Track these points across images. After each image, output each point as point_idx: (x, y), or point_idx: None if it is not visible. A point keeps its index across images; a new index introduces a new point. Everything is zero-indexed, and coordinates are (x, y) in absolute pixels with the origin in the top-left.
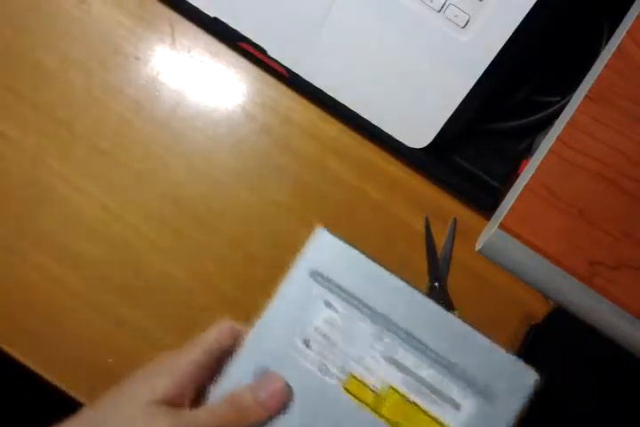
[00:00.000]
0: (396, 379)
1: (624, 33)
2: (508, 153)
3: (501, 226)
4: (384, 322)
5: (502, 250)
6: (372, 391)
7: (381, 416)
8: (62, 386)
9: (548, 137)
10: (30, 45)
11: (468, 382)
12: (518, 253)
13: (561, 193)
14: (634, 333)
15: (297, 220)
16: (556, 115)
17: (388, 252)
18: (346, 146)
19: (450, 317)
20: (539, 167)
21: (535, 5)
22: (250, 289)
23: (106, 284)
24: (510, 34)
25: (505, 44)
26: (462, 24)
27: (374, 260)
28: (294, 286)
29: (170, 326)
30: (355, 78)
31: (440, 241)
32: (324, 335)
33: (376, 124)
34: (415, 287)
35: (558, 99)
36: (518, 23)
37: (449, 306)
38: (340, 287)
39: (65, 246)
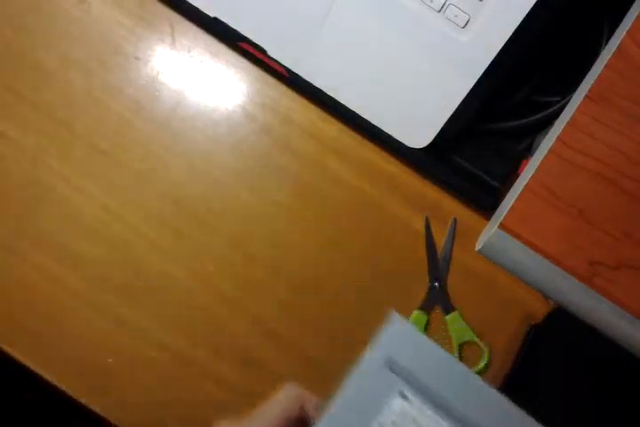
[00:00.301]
0: None
1: (624, 33)
2: (508, 153)
3: (501, 226)
4: (458, 420)
5: (502, 250)
6: None
7: None
8: (62, 386)
9: (548, 137)
10: (30, 45)
11: None
12: (518, 253)
13: (561, 193)
14: (634, 333)
15: (297, 220)
16: (556, 115)
17: (387, 252)
18: (346, 146)
19: (525, 417)
20: (539, 167)
21: (535, 5)
22: (250, 289)
23: (106, 284)
24: (510, 34)
25: (505, 44)
26: (462, 24)
27: (450, 354)
28: (368, 374)
29: (170, 326)
30: (355, 78)
31: (440, 241)
32: (397, 425)
33: (376, 124)
34: (491, 386)
35: (558, 99)
36: (518, 23)
37: (449, 306)
38: (415, 378)
39: (65, 246)
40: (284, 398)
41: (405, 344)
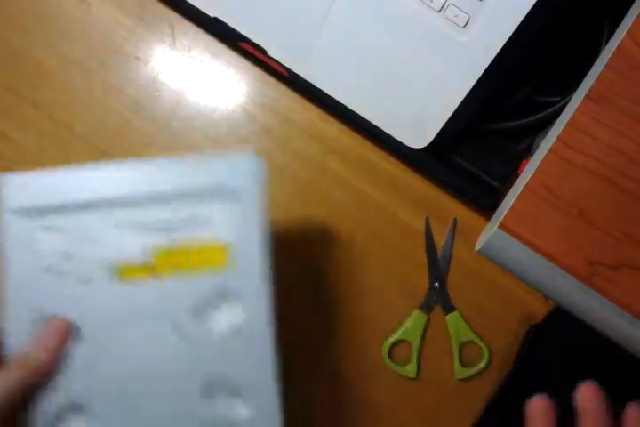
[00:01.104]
0: (149, 239)
1: (624, 33)
2: (508, 153)
3: (501, 226)
4: (99, 206)
5: (502, 250)
6: (141, 264)
7: (163, 274)
8: None
9: (547, 137)
10: (30, 45)
11: (205, 199)
12: (518, 253)
13: (561, 193)
14: (634, 333)
15: (297, 220)
16: (556, 115)
17: (387, 251)
18: (346, 146)
19: (142, 162)
20: (539, 167)
21: (535, 5)
22: None
23: None
24: (510, 34)
25: (505, 44)
26: (462, 24)
27: (52, 169)
28: (12, 231)
29: None
30: (355, 78)
31: (440, 241)
32: (64, 253)
33: (376, 124)
34: (95, 166)
35: (558, 99)
36: (518, 23)
37: (449, 306)
38: (44, 209)
39: None
40: None
41: (20, 190)
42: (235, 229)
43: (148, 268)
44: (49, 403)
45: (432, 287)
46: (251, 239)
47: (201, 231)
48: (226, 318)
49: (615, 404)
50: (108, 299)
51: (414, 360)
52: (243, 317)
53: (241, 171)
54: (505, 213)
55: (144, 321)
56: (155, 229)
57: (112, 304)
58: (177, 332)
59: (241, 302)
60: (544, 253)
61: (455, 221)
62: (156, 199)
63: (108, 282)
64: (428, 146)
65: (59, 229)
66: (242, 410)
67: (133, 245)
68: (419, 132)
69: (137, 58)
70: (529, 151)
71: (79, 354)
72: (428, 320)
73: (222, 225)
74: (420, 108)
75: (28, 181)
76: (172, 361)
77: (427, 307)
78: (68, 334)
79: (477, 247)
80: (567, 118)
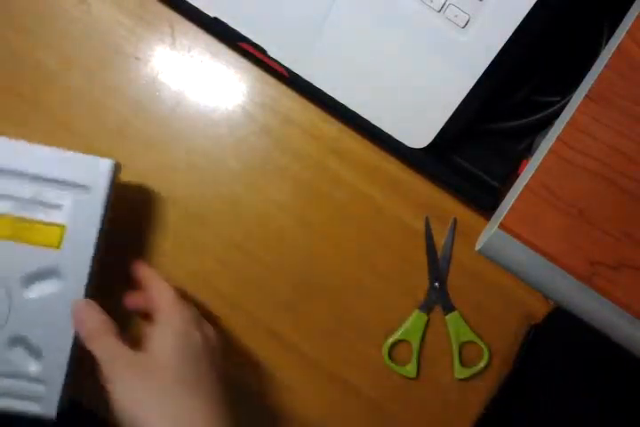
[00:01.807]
0: (3, 207)
1: (624, 33)
2: (508, 153)
3: (501, 226)
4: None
5: (502, 250)
6: None
7: (2, 238)
8: None
9: (547, 137)
10: (30, 46)
11: (62, 187)
12: (518, 253)
13: (561, 193)
14: (634, 333)
15: (297, 220)
16: (556, 115)
17: (387, 252)
18: (346, 146)
19: (21, 144)
20: (539, 167)
21: (535, 5)
22: (249, 289)
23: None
24: (510, 34)
25: (505, 44)
26: (462, 24)
27: None
28: None
29: None
30: (355, 78)
31: (440, 241)
32: None
33: (376, 124)
34: None
35: (558, 99)
36: (518, 23)
37: (449, 306)
38: None
39: None
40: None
41: None
42: (75, 217)
43: None
44: None
45: (432, 287)
46: (86, 228)
47: (46, 213)
48: (45, 291)
49: (615, 404)
50: None
51: (414, 360)
52: (59, 292)
53: (95, 171)
54: (505, 213)
55: None
56: (8, 200)
57: None
58: (3, 291)
59: (62, 280)
60: (544, 253)
61: (455, 221)
62: (21, 177)
63: None
64: (428, 146)
65: None
66: (33, 367)
67: None
68: (419, 132)
69: (137, 58)
70: (529, 151)
71: None
72: (428, 320)
73: (66, 212)
74: (420, 108)
75: None
76: None
77: (427, 307)
78: None
79: (477, 247)
80: (567, 118)
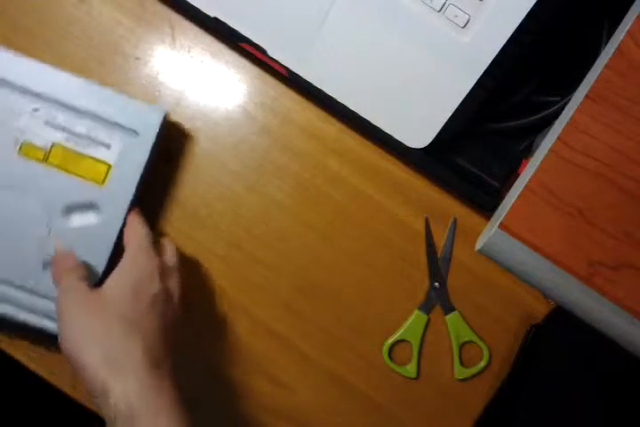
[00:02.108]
0: (57, 137)
1: (624, 33)
2: (508, 153)
3: (501, 226)
4: (38, 97)
5: (502, 250)
6: (41, 150)
7: (52, 165)
8: (64, 388)
9: (547, 137)
10: (30, 46)
11: (114, 128)
12: (518, 253)
13: (561, 193)
14: (634, 333)
15: (297, 220)
16: (556, 115)
17: (387, 252)
18: (346, 146)
19: (89, 83)
20: (539, 167)
21: (535, 5)
22: (250, 289)
23: None
24: (510, 34)
25: (505, 44)
26: (462, 24)
27: (21, 54)
28: None
29: None
30: (355, 78)
31: (440, 241)
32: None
33: (376, 124)
34: (60, 69)
35: (558, 99)
36: (518, 23)
37: (449, 306)
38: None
39: None
40: None
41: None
42: (122, 158)
43: (44, 155)
44: None
45: (432, 287)
46: (130, 170)
47: (97, 149)
48: (83, 223)
49: (615, 404)
50: (5, 162)
51: (414, 360)
52: (95, 226)
53: (147, 119)
54: (505, 213)
55: (23, 194)
56: (65, 131)
57: (6, 168)
58: (46, 217)
59: (100, 215)
60: (544, 253)
61: (455, 221)
62: (80, 113)
63: (12, 150)
64: (428, 146)
65: None
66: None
67: (42, 135)
68: (419, 132)
69: (137, 58)
70: (529, 151)
71: None
72: (428, 320)
73: (114, 152)
74: (419, 108)
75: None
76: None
77: (427, 307)
78: None
79: (477, 247)
80: (567, 118)
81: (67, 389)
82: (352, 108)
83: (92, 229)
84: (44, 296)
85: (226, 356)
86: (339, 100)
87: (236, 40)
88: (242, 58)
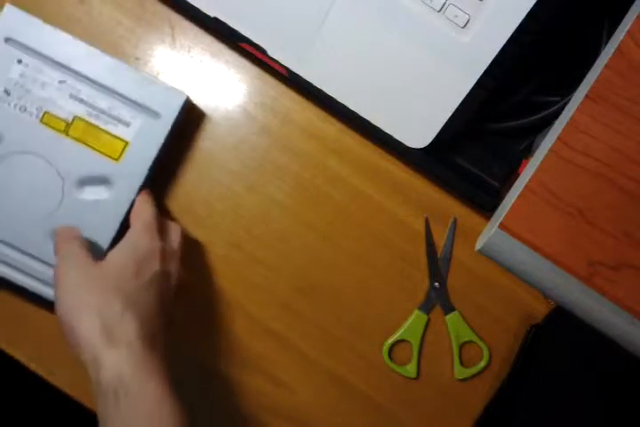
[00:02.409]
0: (79, 110)
1: (624, 33)
2: (508, 153)
3: (501, 226)
4: (66, 70)
5: (502, 250)
6: (63, 121)
7: (71, 137)
8: (64, 388)
9: (548, 137)
10: None
11: (135, 107)
12: (518, 253)
13: (561, 193)
14: (634, 333)
15: (297, 220)
16: (556, 115)
17: (387, 252)
18: (346, 146)
19: (118, 62)
20: (539, 167)
21: (535, 5)
22: (250, 289)
23: None
24: (510, 34)
25: (505, 44)
26: (462, 24)
27: (57, 28)
28: None
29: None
30: (355, 78)
31: (440, 241)
32: (20, 85)
33: (376, 124)
34: (89, 44)
35: (558, 99)
36: (518, 23)
37: (449, 306)
38: (29, 48)
39: None
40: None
41: (18, 25)
42: (140, 137)
43: (65, 127)
44: None
45: (432, 287)
46: (147, 150)
47: (116, 126)
48: (94, 197)
49: (615, 404)
50: (26, 129)
51: (414, 360)
52: (106, 201)
53: (169, 101)
54: (505, 213)
55: (39, 161)
56: (87, 106)
57: (27, 134)
58: (59, 186)
59: (113, 190)
60: (544, 253)
61: (455, 221)
62: (103, 89)
63: (34, 118)
64: (428, 146)
65: (26, 68)
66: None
67: (65, 107)
68: (419, 132)
69: (137, 58)
70: (529, 151)
71: None
72: (428, 320)
73: (133, 130)
74: (419, 108)
75: (27, 22)
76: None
77: (427, 307)
78: None
79: (477, 247)
80: (567, 118)
81: (67, 389)
82: (352, 108)
83: (101, 204)
84: (45, 263)
85: (225, 356)
86: (339, 100)
87: (235, 40)
88: (242, 58)
